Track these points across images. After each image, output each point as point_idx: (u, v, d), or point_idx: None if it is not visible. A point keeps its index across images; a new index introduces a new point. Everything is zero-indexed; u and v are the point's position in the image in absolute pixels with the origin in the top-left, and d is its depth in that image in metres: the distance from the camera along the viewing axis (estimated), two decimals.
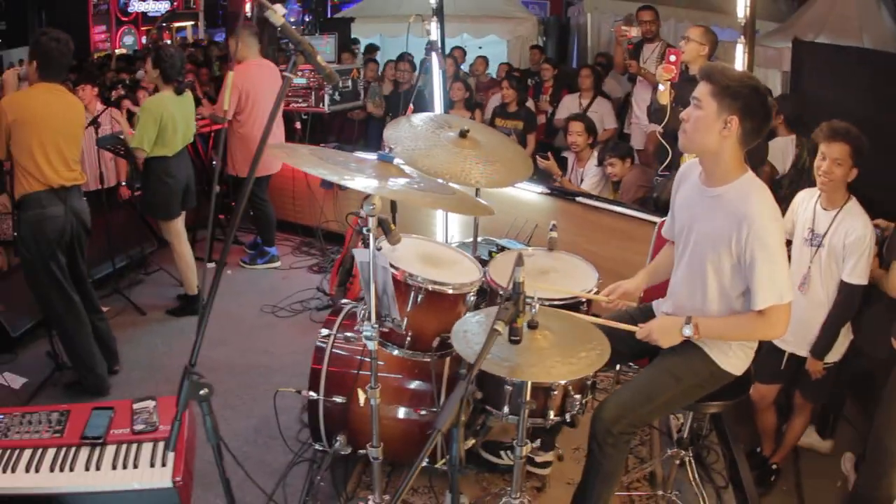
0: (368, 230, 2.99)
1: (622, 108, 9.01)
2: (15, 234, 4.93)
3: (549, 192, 6.25)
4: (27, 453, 2.73)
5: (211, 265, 6.88)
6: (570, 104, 8.77)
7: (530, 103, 9.19)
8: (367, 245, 3.04)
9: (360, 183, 2.85)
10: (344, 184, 2.89)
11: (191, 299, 6.36)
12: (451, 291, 3.63)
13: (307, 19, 18.64)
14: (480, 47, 12.59)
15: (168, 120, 5.87)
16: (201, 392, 2.40)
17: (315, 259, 7.51)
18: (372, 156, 3.41)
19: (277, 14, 2.46)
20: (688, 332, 3.15)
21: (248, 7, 9.61)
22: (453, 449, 2.38)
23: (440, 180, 3.52)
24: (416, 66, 9.49)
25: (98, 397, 5.02)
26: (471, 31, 12.68)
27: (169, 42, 34.47)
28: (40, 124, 4.65)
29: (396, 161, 3.26)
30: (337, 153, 3.31)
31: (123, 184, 7.36)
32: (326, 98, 7.44)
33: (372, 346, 3.18)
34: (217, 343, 5.64)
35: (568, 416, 3.44)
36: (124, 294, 6.64)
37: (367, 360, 3.44)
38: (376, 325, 3.14)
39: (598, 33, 12.35)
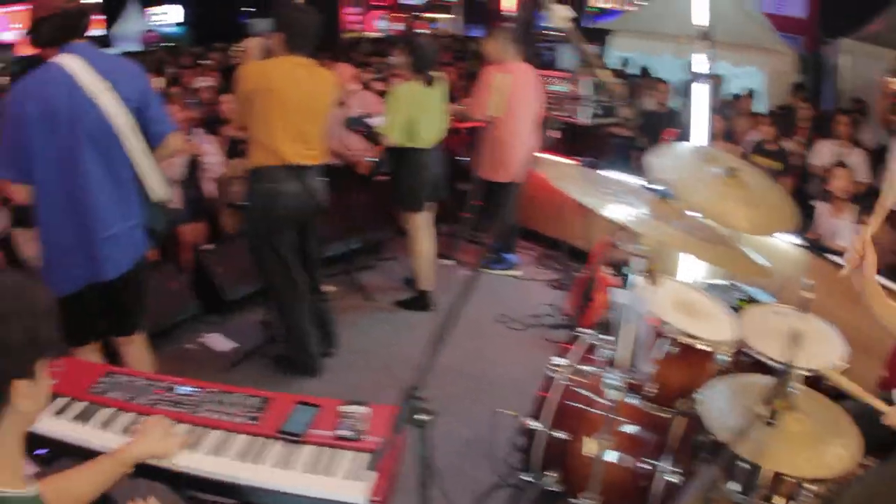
0: (633, 272, 2.77)
1: (876, 161, 8.39)
2: (245, 202, 4.81)
3: (801, 244, 5.81)
4: (215, 435, 2.53)
5: (448, 263, 7.00)
6: (824, 149, 8.16)
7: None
8: (626, 285, 2.82)
9: (635, 220, 2.63)
10: (612, 216, 2.67)
11: (422, 294, 6.14)
12: (704, 348, 3.35)
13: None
14: (737, 77, 12.12)
15: (415, 111, 5.70)
16: (420, 418, 2.24)
17: (556, 274, 7.11)
18: (630, 178, 3.17)
19: (560, 16, 2.27)
20: None
21: (512, 5, 9.51)
22: None
23: (710, 223, 3.25)
24: (676, 89, 9.16)
25: (307, 377, 5.01)
26: (729, 58, 12.18)
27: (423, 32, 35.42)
28: (281, 97, 4.42)
29: (670, 197, 3.01)
30: (608, 179, 3.10)
31: (369, 160, 7.43)
32: (588, 111, 7.23)
33: (615, 396, 2.97)
34: (445, 344, 5.49)
35: None
36: (353, 277, 6.58)
37: (600, 401, 3.29)
38: (623, 375, 2.93)
39: (853, 77, 11.62)
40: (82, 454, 2.37)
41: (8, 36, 42.18)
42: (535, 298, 6.51)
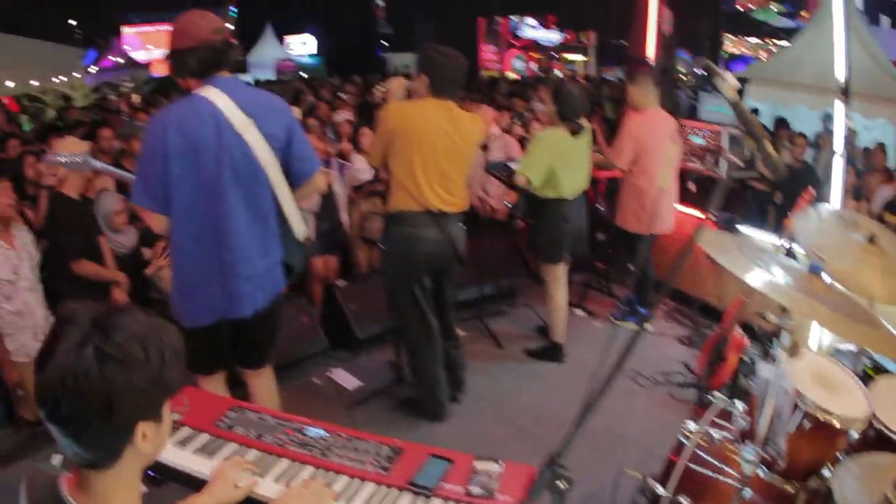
0: (778, 345, 2.71)
1: None
2: (381, 245, 4.79)
3: None
4: (343, 481, 2.54)
5: (580, 313, 6.92)
6: None
7: None
8: (769, 357, 2.76)
9: (782, 293, 2.58)
10: (758, 286, 2.62)
11: (554, 346, 6.02)
12: (837, 424, 3.25)
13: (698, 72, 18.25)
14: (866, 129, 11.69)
15: (560, 160, 5.58)
16: (559, 484, 2.24)
17: (686, 330, 6.91)
18: (768, 237, 3.09)
19: (729, 84, 2.25)
20: None
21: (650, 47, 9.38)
22: None
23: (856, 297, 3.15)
24: (809, 142, 8.94)
25: (433, 421, 4.97)
26: (859, 109, 11.74)
27: (559, 73, 35.48)
28: (424, 140, 4.37)
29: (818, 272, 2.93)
30: (751, 243, 3.04)
31: (507, 205, 7.43)
32: (726, 163, 7.07)
33: (748, 471, 2.91)
34: (568, 396, 5.41)
35: None
36: (485, 322, 6.46)
37: (731, 471, 3.20)
38: (759, 450, 2.88)
39: None
40: (195, 484, 2.40)
41: (141, 55, 43.95)
42: (664, 354, 6.35)
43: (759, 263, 2.72)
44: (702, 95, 7.85)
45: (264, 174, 3.41)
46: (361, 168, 6.95)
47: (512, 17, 32.44)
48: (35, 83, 22.02)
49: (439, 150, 4.40)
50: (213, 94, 3.28)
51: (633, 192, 6.43)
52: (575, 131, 5.62)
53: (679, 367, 6.04)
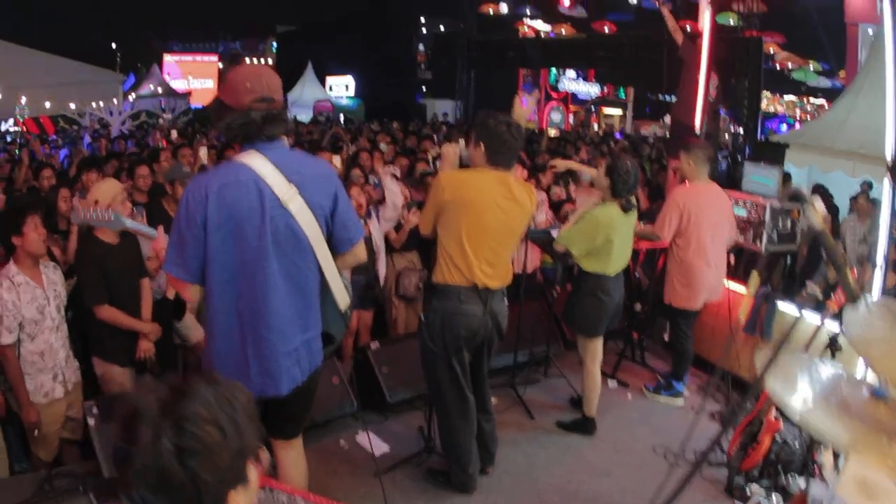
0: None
1: None
2: (423, 317, 4.65)
3: None
4: None
5: (613, 384, 6.82)
6: None
7: None
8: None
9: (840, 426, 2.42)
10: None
11: (586, 420, 5.90)
12: None
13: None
14: None
15: (608, 237, 5.50)
16: None
17: (718, 406, 6.70)
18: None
19: (818, 212, 2.20)
20: None
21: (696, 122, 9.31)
22: None
23: None
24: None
25: (462, 495, 4.85)
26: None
27: (596, 126, 35.61)
28: (478, 215, 4.28)
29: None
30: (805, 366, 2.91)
31: (545, 268, 7.41)
32: (764, 237, 6.98)
33: None
34: (601, 472, 5.25)
35: None
36: (518, 392, 6.35)
37: None
38: None
39: None
40: None
41: (180, 85, 44.55)
42: (697, 430, 6.03)
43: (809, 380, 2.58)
44: (745, 165, 7.73)
45: (308, 245, 3.29)
46: (389, 216, 6.89)
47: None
48: (73, 105, 22.23)
49: (491, 226, 4.34)
50: (256, 162, 3.18)
51: (680, 267, 6.36)
52: (626, 209, 5.55)
53: (710, 446, 5.86)
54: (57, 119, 22.67)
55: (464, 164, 4.67)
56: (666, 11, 8.62)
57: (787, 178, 12.53)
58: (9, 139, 18.30)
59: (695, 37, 8.33)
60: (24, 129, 21.15)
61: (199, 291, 3.26)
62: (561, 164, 6.31)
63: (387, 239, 6.95)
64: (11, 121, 21.05)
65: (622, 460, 5.54)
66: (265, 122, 3.17)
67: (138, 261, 5.16)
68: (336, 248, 3.44)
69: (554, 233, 6.11)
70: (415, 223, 6.78)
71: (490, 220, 4.31)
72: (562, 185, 8.74)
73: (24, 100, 21.33)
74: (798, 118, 35.73)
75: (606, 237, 5.50)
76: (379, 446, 5.43)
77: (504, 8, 25.57)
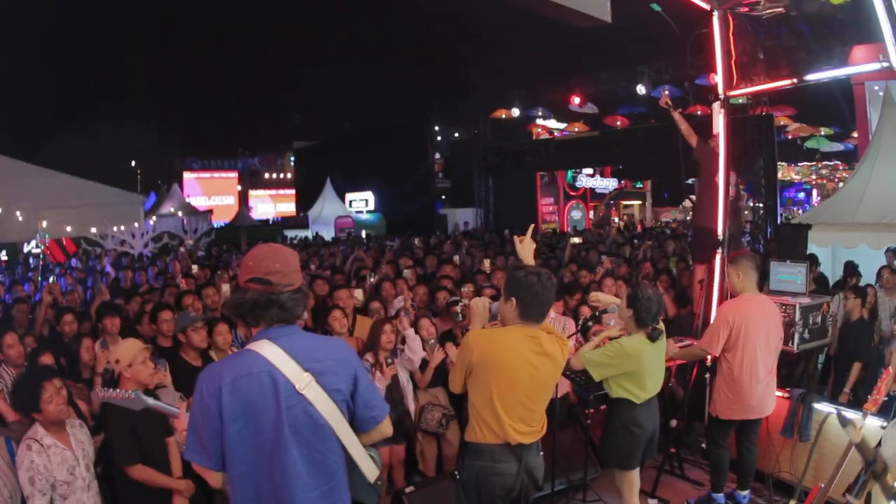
0: None
1: None
2: (457, 474, 4.52)
3: None
4: None
5: (654, 502, 6.62)
6: None
7: None
8: None
9: None
10: None
11: None
12: None
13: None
14: None
15: (636, 368, 5.41)
16: None
17: None
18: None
19: (857, 428, 2.20)
20: None
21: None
22: None
23: None
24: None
25: None
26: None
27: (616, 220, 35.74)
28: (509, 375, 4.20)
29: None
30: None
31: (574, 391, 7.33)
32: (796, 336, 6.87)
33: None
34: None
35: None
36: None
37: None
38: None
39: None
40: None
41: (200, 202, 45.32)
42: None
43: None
44: (771, 265, 7.68)
45: (329, 431, 3.22)
46: (413, 355, 6.83)
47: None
48: (94, 230, 22.46)
49: (523, 384, 4.24)
50: (268, 350, 3.13)
51: (728, 380, 6.24)
52: (653, 337, 5.45)
53: None
54: (79, 241, 22.90)
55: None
56: (677, 115, 8.61)
57: (813, 260, 12.45)
58: (32, 263, 18.46)
59: (708, 137, 8.29)
60: (49, 252, 21.35)
61: (222, 477, 3.18)
62: (604, 299, 6.22)
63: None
64: (34, 242, 21.26)
65: None
66: (255, 306, 3.16)
67: (164, 417, 5.12)
68: (360, 427, 3.37)
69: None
70: (439, 360, 6.85)
71: (521, 377, 4.22)
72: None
73: (44, 223, 21.54)
74: (814, 183, 35.85)
75: (632, 368, 5.43)
76: None
77: (516, 112, 25.82)
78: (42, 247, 20.24)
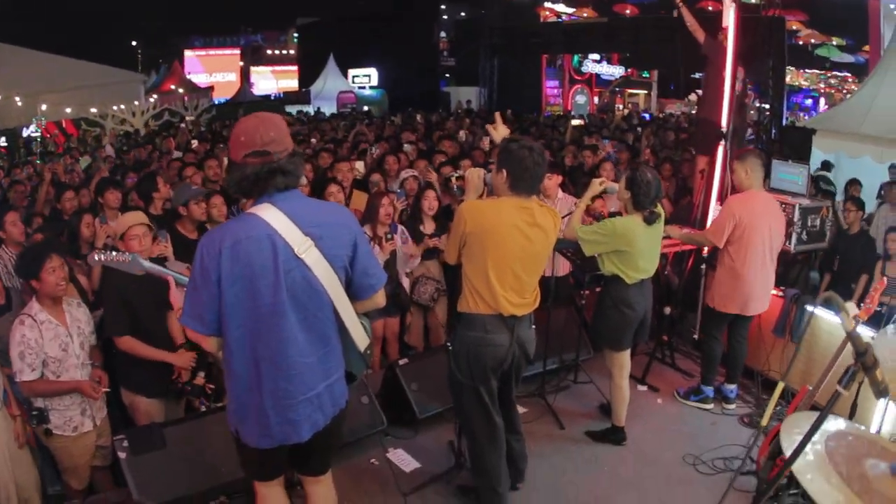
0: None
1: None
2: (449, 345, 4.57)
3: None
4: None
5: (643, 388, 6.78)
6: None
7: None
8: None
9: None
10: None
11: (615, 429, 5.84)
12: None
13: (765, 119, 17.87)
14: None
15: (630, 248, 5.42)
16: None
17: (749, 409, 6.57)
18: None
19: (849, 316, 2.18)
20: None
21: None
22: None
23: None
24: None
25: None
26: None
27: (621, 107, 35.41)
28: (501, 246, 4.20)
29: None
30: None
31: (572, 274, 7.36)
32: (794, 237, 6.87)
33: None
34: (626, 484, 5.24)
35: None
36: (547, 401, 6.27)
37: None
38: None
39: None
40: None
41: (202, 79, 44.81)
42: (727, 437, 6.04)
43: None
44: (773, 163, 7.63)
45: (325, 296, 3.24)
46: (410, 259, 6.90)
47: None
48: (94, 109, 22.29)
49: (515, 255, 4.26)
50: (270, 214, 3.12)
51: (727, 273, 6.30)
52: (650, 221, 5.47)
53: (741, 451, 5.72)
54: (79, 122, 22.76)
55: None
56: (685, 11, 8.47)
57: (826, 165, 12.36)
58: (31, 146, 18.39)
59: (716, 32, 8.15)
60: (48, 134, 21.27)
61: (218, 343, 3.22)
62: (606, 185, 6.18)
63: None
64: (33, 126, 21.10)
65: (651, 472, 5.48)
66: (258, 179, 3.13)
67: (165, 290, 5.14)
68: (357, 294, 3.40)
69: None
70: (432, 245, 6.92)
71: (514, 248, 4.24)
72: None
73: (43, 107, 21.38)
74: (822, 92, 35.44)
75: (622, 247, 5.46)
76: (409, 463, 5.43)
77: None
78: (39, 130, 20.12)
